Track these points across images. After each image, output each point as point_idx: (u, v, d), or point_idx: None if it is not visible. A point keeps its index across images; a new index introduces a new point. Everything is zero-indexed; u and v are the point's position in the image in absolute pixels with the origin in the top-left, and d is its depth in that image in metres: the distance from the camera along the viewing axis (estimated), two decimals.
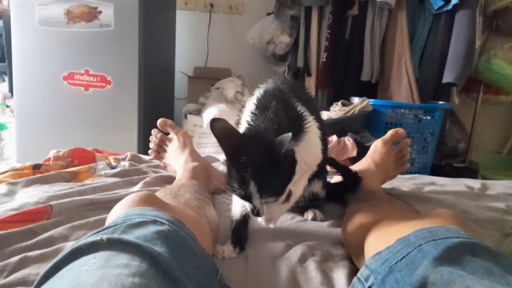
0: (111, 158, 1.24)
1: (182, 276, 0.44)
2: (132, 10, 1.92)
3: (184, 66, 2.75)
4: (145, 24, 1.97)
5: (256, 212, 0.63)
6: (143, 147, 2.01)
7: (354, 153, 1.74)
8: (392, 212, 0.75)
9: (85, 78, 1.99)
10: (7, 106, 2.49)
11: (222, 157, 1.18)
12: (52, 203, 0.81)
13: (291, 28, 2.42)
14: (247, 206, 0.64)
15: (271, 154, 0.58)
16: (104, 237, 0.45)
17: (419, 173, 1.91)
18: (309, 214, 0.90)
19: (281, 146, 0.57)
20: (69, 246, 0.46)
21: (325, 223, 0.88)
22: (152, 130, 1.20)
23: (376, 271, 0.51)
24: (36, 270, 0.60)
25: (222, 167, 1.18)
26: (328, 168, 1.03)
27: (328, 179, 1.00)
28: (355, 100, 2.24)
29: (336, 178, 1.09)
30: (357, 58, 2.44)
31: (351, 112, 2.04)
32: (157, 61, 2.25)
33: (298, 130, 0.67)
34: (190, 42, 2.81)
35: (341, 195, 1.00)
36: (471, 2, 2.18)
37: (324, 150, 0.82)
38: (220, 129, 0.59)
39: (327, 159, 0.94)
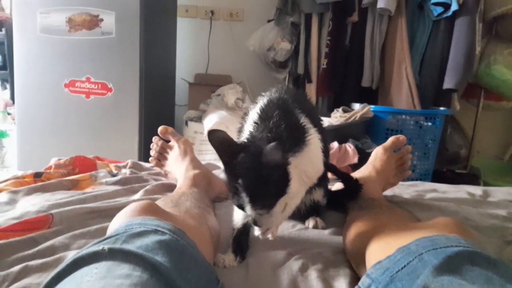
0: (112, 166, 1.24)
1: (183, 286, 0.45)
2: (133, 18, 1.93)
3: (185, 73, 2.76)
4: (146, 31, 1.98)
5: (254, 222, 0.63)
6: (144, 155, 2.01)
7: (355, 159, 1.74)
8: (392, 220, 0.75)
9: (86, 85, 2.00)
10: (9, 114, 2.50)
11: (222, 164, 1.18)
12: (53, 211, 0.81)
13: (292, 35, 2.43)
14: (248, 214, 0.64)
15: (260, 165, 0.58)
16: (106, 247, 0.45)
17: (420, 179, 1.91)
18: (310, 222, 0.89)
19: (266, 156, 0.57)
20: (70, 255, 0.46)
21: (327, 231, 0.88)
22: (153, 138, 1.20)
23: (377, 280, 0.51)
24: (38, 280, 0.60)
25: (222, 175, 1.18)
26: (329, 175, 1.03)
27: (329, 187, 1.00)
28: (356, 106, 2.24)
29: (337, 185, 1.09)
30: (357, 64, 2.45)
31: (352, 118, 2.04)
32: (158, 68, 2.26)
33: (298, 141, 0.67)
34: (191, 49, 2.83)
35: (342, 202, 0.99)
36: (470, 9, 2.19)
37: (326, 162, 0.82)
38: (217, 139, 0.60)
39: (327, 166, 0.94)
